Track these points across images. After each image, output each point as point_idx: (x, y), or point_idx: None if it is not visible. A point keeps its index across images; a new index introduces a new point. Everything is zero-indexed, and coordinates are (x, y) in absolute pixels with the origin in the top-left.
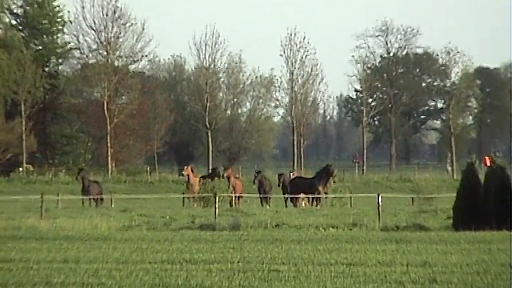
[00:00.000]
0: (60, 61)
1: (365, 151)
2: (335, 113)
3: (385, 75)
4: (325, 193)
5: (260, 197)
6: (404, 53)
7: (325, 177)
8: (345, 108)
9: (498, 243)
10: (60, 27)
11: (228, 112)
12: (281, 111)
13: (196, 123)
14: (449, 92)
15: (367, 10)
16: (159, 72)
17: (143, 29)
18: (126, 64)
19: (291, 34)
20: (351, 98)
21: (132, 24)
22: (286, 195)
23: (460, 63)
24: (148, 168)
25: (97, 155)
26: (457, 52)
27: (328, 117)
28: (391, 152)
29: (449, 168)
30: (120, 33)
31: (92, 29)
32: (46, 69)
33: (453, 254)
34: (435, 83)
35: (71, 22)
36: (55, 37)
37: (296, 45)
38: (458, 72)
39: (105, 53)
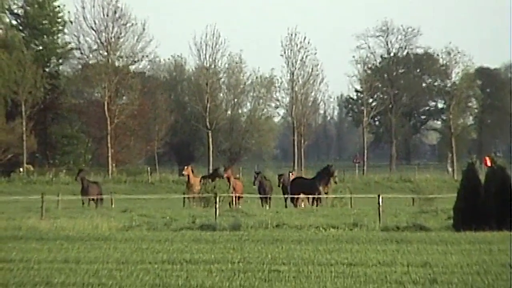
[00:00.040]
0: (60, 61)
1: (365, 151)
2: (335, 113)
3: (385, 75)
4: (326, 193)
5: (261, 198)
6: (404, 53)
7: (325, 178)
8: (346, 108)
9: (499, 244)
10: (60, 27)
11: (229, 112)
12: (281, 111)
13: (196, 124)
14: (449, 92)
15: (368, 10)
16: (159, 72)
17: (144, 29)
18: (127, 65)
19: (291, 34)
20: (352, 98)
21: (132, 24)
22: (286, 195)
23: (460, 63)
24: (149, 168)
25: (97, 155)
26: (458, 52)
27: (329, 118)
28: (391, 152)
29: (450, 169)
30: (120, 33)
31: (93, 29)
32: (47, 69)
33: (454, 255)
34: (436, 83)
35: (71, 22)
36: (55, 37)
37: (297, 45)
38: (458, 72)
39: (105, 53)
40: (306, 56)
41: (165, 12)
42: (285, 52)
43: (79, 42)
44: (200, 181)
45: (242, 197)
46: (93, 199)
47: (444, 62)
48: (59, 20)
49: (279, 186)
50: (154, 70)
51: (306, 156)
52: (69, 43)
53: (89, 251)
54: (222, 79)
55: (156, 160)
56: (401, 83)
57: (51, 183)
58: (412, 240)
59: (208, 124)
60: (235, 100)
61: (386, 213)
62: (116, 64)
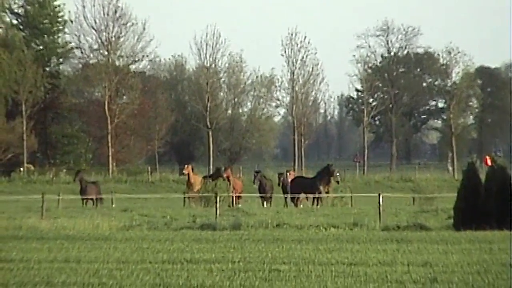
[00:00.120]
0: (61, 60)
1: (366, 150)
2: (336, 112)
3: (386, 74)
4: (326, 192)
5: (261, 197)
6: (405, 52)
7: (326, 177)
8: (346, 108)
9: (499, 243)
10: (61, 27)
11: (229, 111)
12: (282, 110)
13: (197, 123)
14: (450, 92)
15: (368, 10)
16: (160, 72)
17: (144, 29)
18: (127, 64)
19: (292, 34)
20: (352, 97)
21: (133, 24)
22: (286, 195)
23: (461, 62)
24: (149, 167)
25: (98, 155)
26: (458, 52)
27: (329, 117)
28: (392, 151)
29: (450, 168)
30: (121, 33)
31: (93, 28)
32: (47, 69)
33: (454, 254)
34: (436, 83)
35: (72, 21)
36: (56, 36)
37: (297, 44)
38: (459, 72)
39: (106, 52)
40: (307, 56)
41: (166, 12)
42: (285, 52)
43: (80, 42)
44: (202, 180)
45: (241, 196)
46: (92, 199)
47: (445, 61)
48: (60, 19)
49: (279, 185)
50: (154, 70)
51: (306, 156)
52: (70, 42)
53: (90, 250)
54: (223, 79)
55: (157, 159)
56: (402, 82)
57: (51, 182)
58: (413, 239)
59: (208, 123)
60: (236, 99)
61: (387, 213)
62: (117, 63)
